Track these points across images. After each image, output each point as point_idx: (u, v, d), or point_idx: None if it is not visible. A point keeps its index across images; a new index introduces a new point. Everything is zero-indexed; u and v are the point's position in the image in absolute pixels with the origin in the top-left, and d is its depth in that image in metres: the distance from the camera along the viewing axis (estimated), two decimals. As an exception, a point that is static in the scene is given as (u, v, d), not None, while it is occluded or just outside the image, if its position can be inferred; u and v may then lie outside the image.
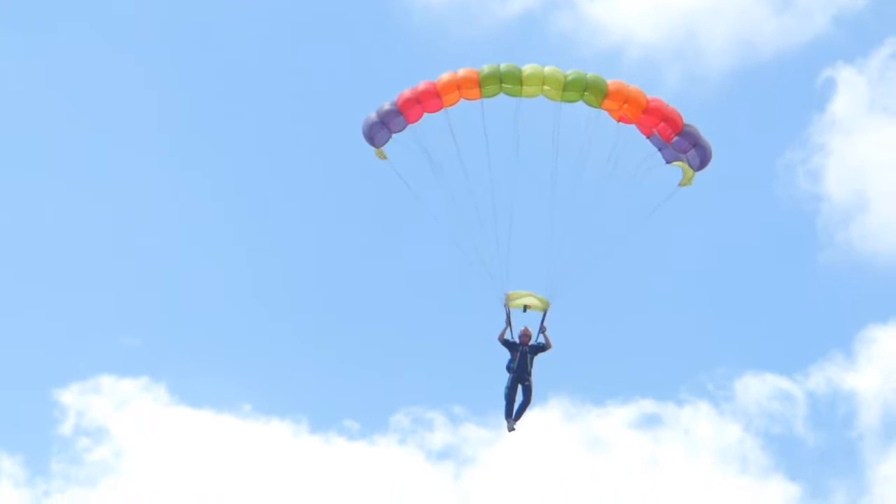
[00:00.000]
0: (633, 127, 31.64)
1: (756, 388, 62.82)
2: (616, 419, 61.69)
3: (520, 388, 32.18)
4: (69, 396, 61.30)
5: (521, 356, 32.14)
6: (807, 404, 62.97)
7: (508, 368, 32.23)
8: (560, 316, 32.10)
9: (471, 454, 61.54)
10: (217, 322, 67.50)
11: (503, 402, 32.10)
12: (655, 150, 31.97)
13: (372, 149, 31.52)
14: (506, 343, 32.25)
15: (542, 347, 32.16)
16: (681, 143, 31.53)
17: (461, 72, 30.93)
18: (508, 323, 32.24)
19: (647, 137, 31.92)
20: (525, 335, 32.12)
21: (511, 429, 32.17)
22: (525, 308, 32.05)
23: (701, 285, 67.02)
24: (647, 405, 61.43)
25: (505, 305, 31.99)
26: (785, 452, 62.32)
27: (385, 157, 31.52)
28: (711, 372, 63.94)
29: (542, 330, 32.05)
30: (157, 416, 61.61)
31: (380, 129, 31.09)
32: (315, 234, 68.31)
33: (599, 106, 31.23)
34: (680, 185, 32.33)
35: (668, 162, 32.14)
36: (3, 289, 66.17)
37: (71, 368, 64.15)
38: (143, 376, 61.89)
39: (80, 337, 66.07)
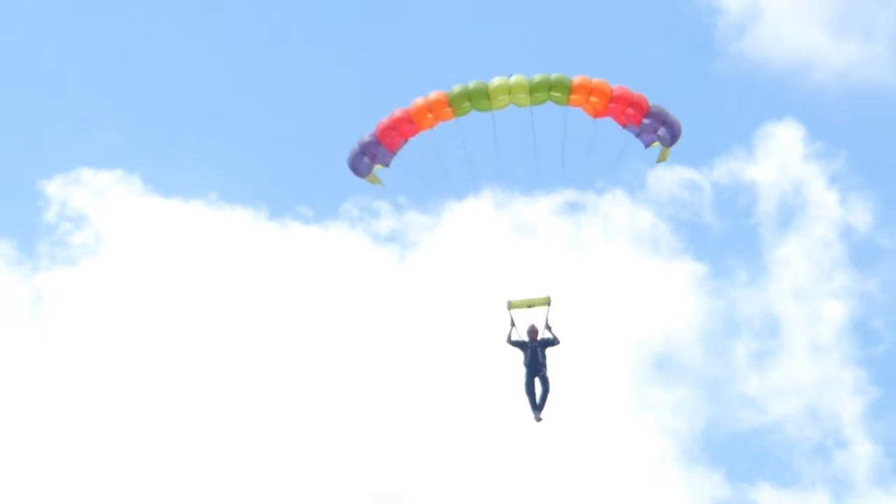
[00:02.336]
0: (608, 120, 32.67)
1: (666, 178, 65.66)
2: (542, 207, 64.84)
3: (537, 380, 33.30)
4: (53, 187, 65.69)
5: (533, 352, 33.28)
6: (712, 193, 66.81)
7: (525, 365, 33.50)
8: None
9: (413, 239, 65.49)
10: (187, 115, 72.09)
11: (525, 398, 33.34)
12: (632, 137, 33.13)
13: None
14: (515, 343, 33.37)
15: (551, 343, 33.23)
16: (650, 123, 32.36)
17: (432, 95, 31.72)
18: (513, 324, 33.25)
19: (623, 127, 32.69)
20: (533, 331, 33.20)
21: (538, 419, 33.20)
22: (530, 306, 33.17)
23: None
24: (570, 194, 63.63)
25: (509, 311, 33.08)
26: (692, 236, 66.39)
27: (379, 182, 32.51)
28: (625, 160, 67.26)
29: (548, 327, 33.15)
30: (132, 204, 65.82)
31: (362, 160, 32.08)
32: (278, 21, 72.72)
33: (567, 102, 32.06)
34: (658, 161, 33.29)
35: (647, 146, 33.02)
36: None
37: (54, 162, 68.77)
38: (118, 168, 66.30)
39: (61, 132, 70.34)
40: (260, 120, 72.93)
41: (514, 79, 31.64)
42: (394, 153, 31.87)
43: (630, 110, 32.10)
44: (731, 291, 65.85)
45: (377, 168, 32.04)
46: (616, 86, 31.92)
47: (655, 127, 32.38)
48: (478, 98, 31.30)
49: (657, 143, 32.85)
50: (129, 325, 62.74)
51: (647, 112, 32.15)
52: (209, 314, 62.82)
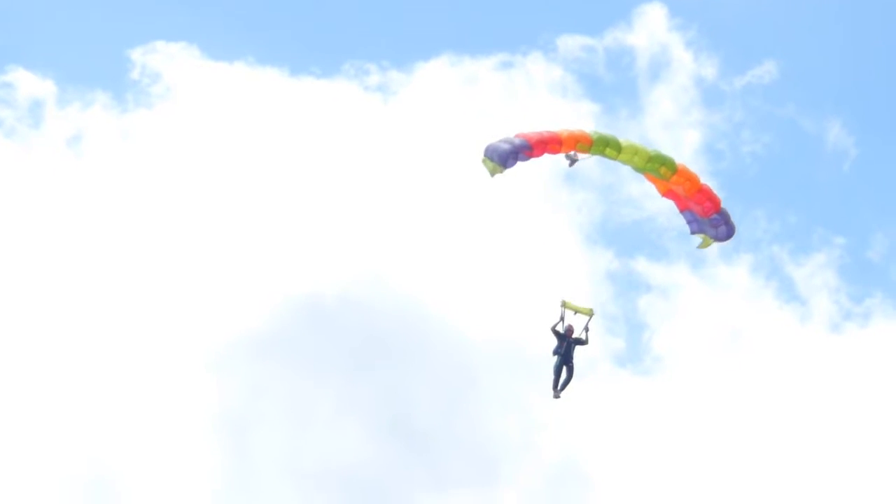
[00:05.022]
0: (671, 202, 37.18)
1: (571, 43, 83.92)
2: (485, 66, 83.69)
3: (564, 368, 37.78)
4: (137, 54, 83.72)
5: (567, 346, 37.64)
6: (604, 54, 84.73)
7: (555, 352, 37.76)
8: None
9: (394, 89, 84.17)
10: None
11: (552, 376, 37.70)
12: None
13: (489, 166, 35.52)
14: (556, 333, 37.81)
15: (581, 342, 37.80)
16: (717, 219, 36.79)
17: (577, 131, 35.63)
18: (562, 318, 37.69)
19: (681, 212, 36.91)
20: (570, 330, 37.85)
21: (556, 397, 37.63)
22: (576, 312, 37.56)
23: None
24: (504, 56, 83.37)
25: (562, 307, 37.48)
26: (590, 85, 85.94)
27: (501, 172, 35.64)
28: (542, 31, 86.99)
29: (586, 329, 37.77)
30: (192, 66, 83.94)
31: (511, 156, 35.23)
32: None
33: (670, 179, 35.97)
34: (699, 247, 37.46)
35: (692, 233, 37.27)
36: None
37: (138, 36, 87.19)
38: (182, 41, 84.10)
39: (143, 15, 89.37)
40: (282, 2, 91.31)
41: (637, 143, 35.69)
42: (532, 158, 35.16)
43: (708, 203, 36.25)
44: (617, 124, 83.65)
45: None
46: (703, 182, 36.36)
47: (720, 223, 36.62)
48: (613, 146, 35.47)
49: (701, 235, 37.14)
50: (189, 147, 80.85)
51: (720, 210, 36.47)
52: (249, 140, 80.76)
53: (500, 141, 35.07)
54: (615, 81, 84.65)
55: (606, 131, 35.13)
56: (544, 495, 68.71)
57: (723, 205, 36.46)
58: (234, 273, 74.22)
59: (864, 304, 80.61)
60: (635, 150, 35.52)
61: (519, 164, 34.32)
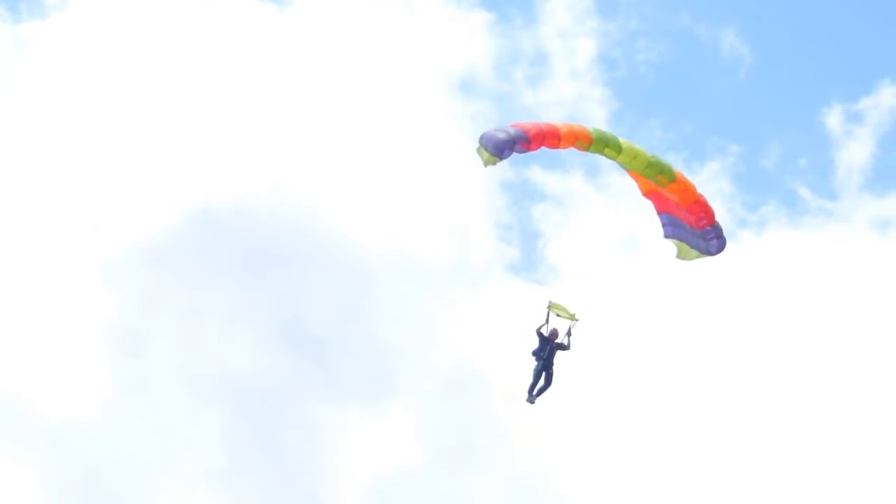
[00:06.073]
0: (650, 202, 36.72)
1: None
2: None
3: (544, 373, 37.42)
4: None
5: (550, 350, 37.16)
6: None
7: (535, 355, 37.27)
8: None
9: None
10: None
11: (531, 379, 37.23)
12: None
13: (484, 155, 34.54)
14: (540, 335, 37.29)
15: (563, 347, 37.27)
16: (710, 231, 36.23)
17: (576, 127, 34.76)
18: (547, 321, 37.28)
19: (658, 213, 36.39)
20: (554, 334, 37.39)
21: (531, 402, 37.18)
22: (558, 314, 37.21)
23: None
24: None
25: (548, 309, 37.17)
26: None
27: (494, 164, 34.70)
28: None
29: (568, 334, 37.32)
30: None
31: (508, 147, 34.17)
32: None
33: (666, 186, 35.41)
34: (678, 257, 36.92)
35: (665, 237, 36.61)
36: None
37: None
38: None
39: None
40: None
41: (637, 146, 34.94)
42: (528, 151, 34.28)
43: (703, 216, 35.73)
44: (513, 33, 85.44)
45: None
46: (700, 193, 35.74)
47: (712, 236, 36.13)
48: (613, 146, 34.78)
49: (675, 241, 36.57)
50: (84, 57, 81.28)
51: (714, 223, 36.00)
52: (143, 51, 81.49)
53: (497, 130, 34.30)
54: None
55: (602, 127, 34.65)
56: (439, 403, 70.32)
57: (717, 218, 36.16)
58: (128, 183, 75.68)
59: (758, 212, 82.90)
60: (635, 154, 34.88)
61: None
